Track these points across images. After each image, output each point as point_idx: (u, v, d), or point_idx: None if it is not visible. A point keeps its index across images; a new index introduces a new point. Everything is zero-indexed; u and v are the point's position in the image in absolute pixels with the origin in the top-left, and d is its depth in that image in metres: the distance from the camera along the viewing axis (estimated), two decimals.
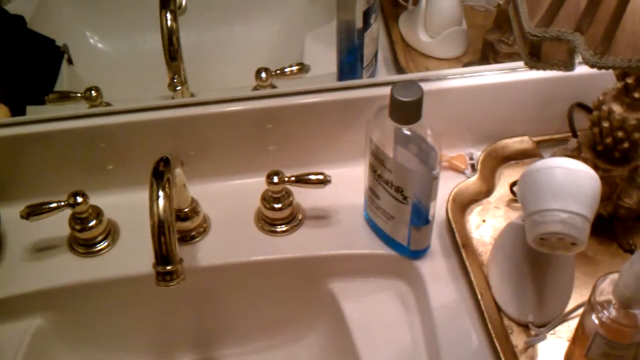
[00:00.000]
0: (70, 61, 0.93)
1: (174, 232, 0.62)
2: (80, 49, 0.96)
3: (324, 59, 0.85)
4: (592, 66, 0.58)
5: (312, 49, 0.91)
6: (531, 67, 0.62)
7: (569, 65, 0.62)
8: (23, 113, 0.83)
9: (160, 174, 0.63)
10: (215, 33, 0.98)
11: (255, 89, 0.82)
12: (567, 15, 0.59)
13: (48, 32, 0.91)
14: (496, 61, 0.84)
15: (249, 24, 1.00)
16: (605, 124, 0.67)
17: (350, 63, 0.81)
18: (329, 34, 0.82)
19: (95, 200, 0.74)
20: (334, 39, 0.80)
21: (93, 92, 0.80)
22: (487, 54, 0.86)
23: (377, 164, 0.68)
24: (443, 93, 0.77)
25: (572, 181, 0.59)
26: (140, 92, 0.92)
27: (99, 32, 1.01)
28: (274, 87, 0.82)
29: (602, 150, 0.69)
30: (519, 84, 0.78)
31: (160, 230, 0.61)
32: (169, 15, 0.76)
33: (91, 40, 1.01)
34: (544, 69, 0.63)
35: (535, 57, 0.62)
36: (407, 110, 0.63)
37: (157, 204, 0.62)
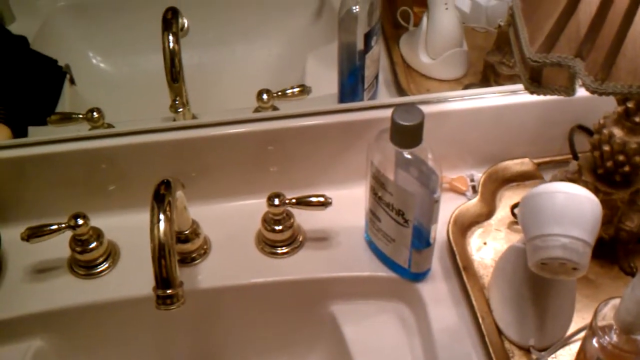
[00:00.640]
0: (72, 81, 0.94)
1: (174, 255, 0.62)
2: (82, 69, 0.96)
3: (325, 80, 0.85)
4: (592, 92, 0.58)
5: (314, 70, 0.92)
6: (532, 92, 0.63)
7: (569, 91, 0.62)
8: (24, 134, 0.83)
9: (161, 197, 0.63)
10: (217, 53, 0.99)
11: (256, 110, 0.82)
12: (568, 41, 0.59)
13: (50, 52, 0.92)
14: (497, 83, 0.84)
15: (250, 45, 1.00)
16: (606, 148, 0.68)
17: (352, 84, 0.82)
18: (330, 55, 0.82)
19: (95, 221, 0.74)
20: (335, 60, 0.81)
21: (95, 113, 0.81)
22: (487, 76, 0.87)
23: (378, 186, 0.68)
24: (444, 115, 0.77)
25: (573, 206, 0.59)
26: (142, 112, 0.92)
27: (101, 52, 1.01)
28: (275, 108, 0.82)
29: (602, 174, 0.69)
30: (520, 107, 0.78)
31: (160, 253, 0.61)
32: (171, 37, 0.76)
33: (93, 61, 1.01)
34: (545, 94, 0.63)
35: (536, 82, 0.62)
36: (408, 134, 0.63)
37: (158, 227, 0.61)
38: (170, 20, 0.77)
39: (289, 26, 1.02)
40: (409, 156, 0.64)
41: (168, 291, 0.61)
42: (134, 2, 1.01)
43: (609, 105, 0.69)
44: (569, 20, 0.58)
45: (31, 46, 0.92)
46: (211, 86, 0.94)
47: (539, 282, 0.64)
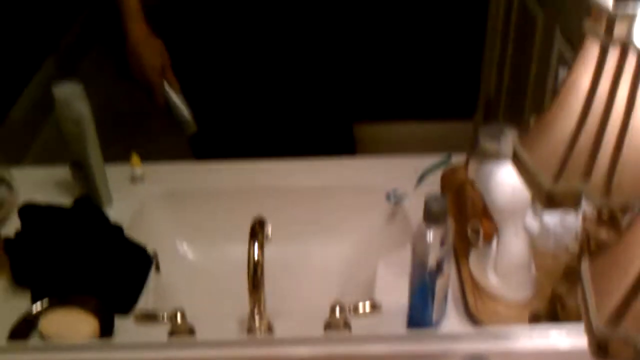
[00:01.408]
0: (157, 267, 1.00)
1: None
2: (168, 255, 1.02)
3: (394, 287, 0.89)
4: None
5: (384, 275, 0.96)
6: None
7: None
8: (111, 323, 0.88)
9: None
10: (292, 250, 1.03)
11: (328, 324, 0.85)
12: (635, 318, 0.61)
13: (141, 236, 0.99)
14: (564, 315, 0.85)
15: (325, 244, 1.06)
16: None
17: (422, 302, 0.85)
18: (400, 261, 0.86)
19: None
20: (405, 267, 0.84)
21: (179, 316, 0.85)
22: (555, 304, 0.88)
23: None
24: (510, 355, 0.79)
25: None
26: (221, 305, 0.97)
27: (188, 240, 1.08)
28: (346, 322, 0.86)
29: None
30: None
31: None
32: (256, 248, 0.80)
33: (179, 248, 1.08)
34: None
35: (603, 352, 0.64)
36: None
37: None
38: (257, 231, 0.82)
39: (363, 228, 1.07)
40: None
41: None
42: (223, 195, 1.09)
43: None
44: (636, 297, 0.61)
45: (125, 229, 0.99)
46: (285, 281, 0.99)
47: None
